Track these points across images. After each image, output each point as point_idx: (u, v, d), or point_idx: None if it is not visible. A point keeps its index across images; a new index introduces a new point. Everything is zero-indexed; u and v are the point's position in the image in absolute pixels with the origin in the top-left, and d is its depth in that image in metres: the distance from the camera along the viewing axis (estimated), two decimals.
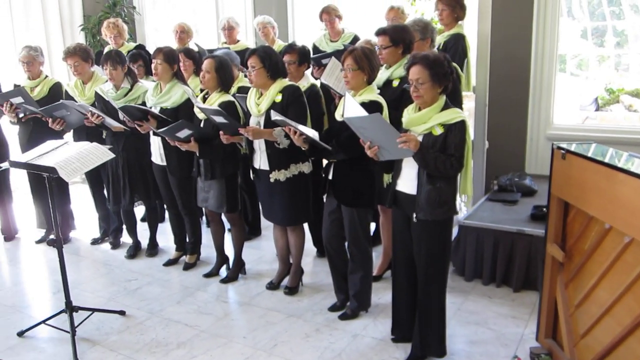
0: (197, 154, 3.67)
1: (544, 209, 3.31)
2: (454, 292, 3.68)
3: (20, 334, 3.30)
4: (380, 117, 2.66)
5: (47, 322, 3.31)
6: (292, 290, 3.78)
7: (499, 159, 4.70)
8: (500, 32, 4.55)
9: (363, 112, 2.75)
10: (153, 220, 4.56)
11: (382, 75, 3.60)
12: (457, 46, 4.09)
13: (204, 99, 3.76)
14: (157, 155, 4.07)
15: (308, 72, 4.00)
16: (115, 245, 4.74)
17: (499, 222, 3.82)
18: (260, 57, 3.37)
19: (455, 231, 4.00)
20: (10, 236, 4.99)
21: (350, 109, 2.83)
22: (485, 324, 3.31)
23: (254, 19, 5.32)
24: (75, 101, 4.29)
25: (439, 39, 4.09)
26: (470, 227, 3.83)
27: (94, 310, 3.42)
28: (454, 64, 3.67)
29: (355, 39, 4.87)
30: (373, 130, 2.66)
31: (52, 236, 3.26)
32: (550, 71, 4.91)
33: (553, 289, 2.85)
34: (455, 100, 3.57)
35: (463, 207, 4.65)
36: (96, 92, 4.24)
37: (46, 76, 4.69)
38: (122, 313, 3.53)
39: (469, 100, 4.59)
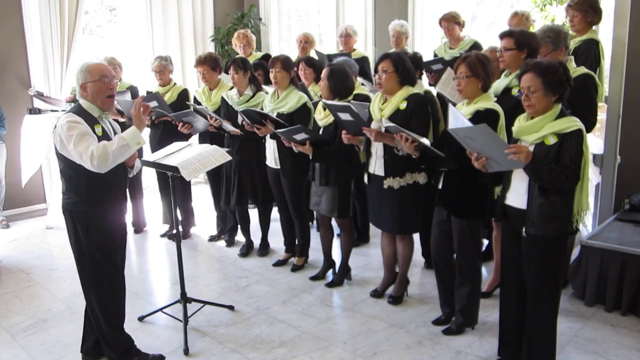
0: (311, 158, 3.75)
1: None
2: (571, 316, 3.42)
3: (141, 318, 3.57)
4: (487, 128, 2.51)
5: (164, 310, 3.55)
6: (396, 299, 3.72)
7: (632, 175, 4.28)
8: (639, 37, 4.15)
9: (469, 123, 2.64)
10: (264, 222, 4.71)
11: (501, 82, 3.45)
12: (588, 52, 3.77)
13: (325, 107, 3.84)
14: (272, 158, 4.22)
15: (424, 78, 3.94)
16: (230, 243, 4.99)
17: (629, 244, 3.48)
18: (394, 61, 3.33)
19: (577, 251, 3.72)
20: (139, 229, 5.45)
21: (455, 119, 2.73)
22: (605, 355, 3.01)
23: (392, 22, 5.23)
24: (201, 105, 4.61)
25: (570, 45, 3.81)
26: (594, 248, 3.52)
27: (206, 303, 3.61)
28: (591, 72, 3.43)
29: (475, 45, 4.71)
30: (480, 141, 2.55)
31: (174, 231, 3.50)
32: None
33: None
34: (589, 112, 3.32)
35: (588, 225, 4.30)
36: (222, 97, 4.51)
37: (175, 83, 5.07)
38: (231, 308, 3.70)
39: (599, 112, 4.24)
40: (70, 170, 2.77)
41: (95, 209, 2.81)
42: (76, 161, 2.70)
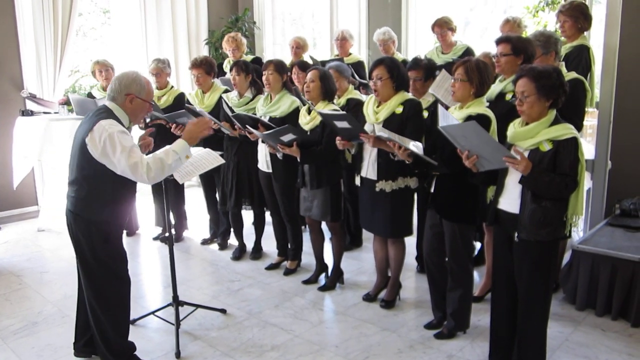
0: (298, 159, 3.75)
1: None
2: (562, 321, 3.44)
3: (132, 322, 3.52)
4: (476, 125, 2.52)
5: (156, 313, 3.54)
6: (388, 303, 3.72)
7: (623, 180, 4.32)
8: (630, 44, 4.19)
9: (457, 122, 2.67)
10: (259, 225, 4.71)
11: (495, 88, 3.46)
12: (580, 58, 3.81)
13: (309, 111, 3.84)
14: (263, 162, 4.22)
15: None
16: (223, 246, 4.98)
17: (619, 249, 3.50)
18: (388, 68, 3.34)
19: (568, 256, 3.74)
20: (131, 232, 5.42)
21: (444, 119, 2.75)
22: (595, 359, 3.03)
23: (375, 32, 5.28)
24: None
25: (561, 51, 3.85)
26: (585, 253, 3.54)
27: (198, 306, 3.61)
28: (581, 77, 3.46)
29: (468, 51, 4.75)
30: (470, 138, 2.57)
31: (166, 234, 3.49)
32: None
33: None
34: (575, 115, 3.34)
35: (579, 230, 4.33)
36: (222, 98, 4.52)
37: (172, 87, 5.06)
38: (223, 311, 3.69)
39: (590, 117, 4.28)
40: (98, 177, 2.68)
41: (116, 218, 2.79)
42: (121, 172, 2.62)
